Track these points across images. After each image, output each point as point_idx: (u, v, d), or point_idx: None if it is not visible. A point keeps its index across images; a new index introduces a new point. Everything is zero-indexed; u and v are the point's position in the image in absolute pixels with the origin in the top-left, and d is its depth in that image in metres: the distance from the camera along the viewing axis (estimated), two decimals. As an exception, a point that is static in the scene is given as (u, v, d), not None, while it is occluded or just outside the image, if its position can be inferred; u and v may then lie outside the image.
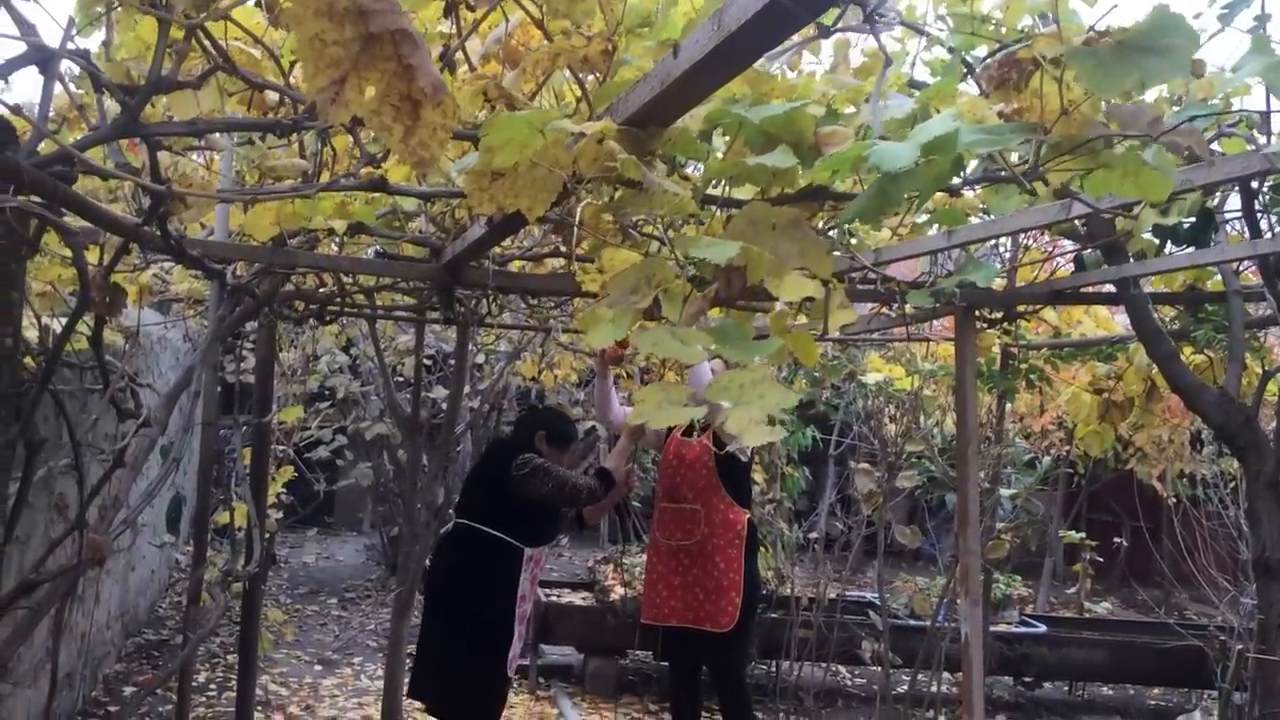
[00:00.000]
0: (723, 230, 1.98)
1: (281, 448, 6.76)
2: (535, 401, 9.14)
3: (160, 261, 3.89)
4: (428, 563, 5.37)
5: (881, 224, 3.01)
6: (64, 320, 2.69)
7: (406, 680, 6.74)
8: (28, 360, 2.03)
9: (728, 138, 1.98)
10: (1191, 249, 3.11)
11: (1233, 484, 7.19)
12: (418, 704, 6.25)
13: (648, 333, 1.54)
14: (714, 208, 2.23)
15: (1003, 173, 1.93)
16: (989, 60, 1.80)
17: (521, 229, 2.69)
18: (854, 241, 3.24)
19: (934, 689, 6.02)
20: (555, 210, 2.58)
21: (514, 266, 3.98)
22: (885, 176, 1.61)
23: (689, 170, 2.16)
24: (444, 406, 8.66)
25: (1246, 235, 3.13)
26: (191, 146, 2.24)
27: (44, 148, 2.01)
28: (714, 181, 2.07)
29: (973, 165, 2.12)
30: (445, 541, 4.57)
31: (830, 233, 2.80)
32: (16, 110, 1.68)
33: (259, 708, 5.75)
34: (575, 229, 2.38)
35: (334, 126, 1.78)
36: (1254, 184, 2.73)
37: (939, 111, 1.81)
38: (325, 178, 2.48)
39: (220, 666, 6.79)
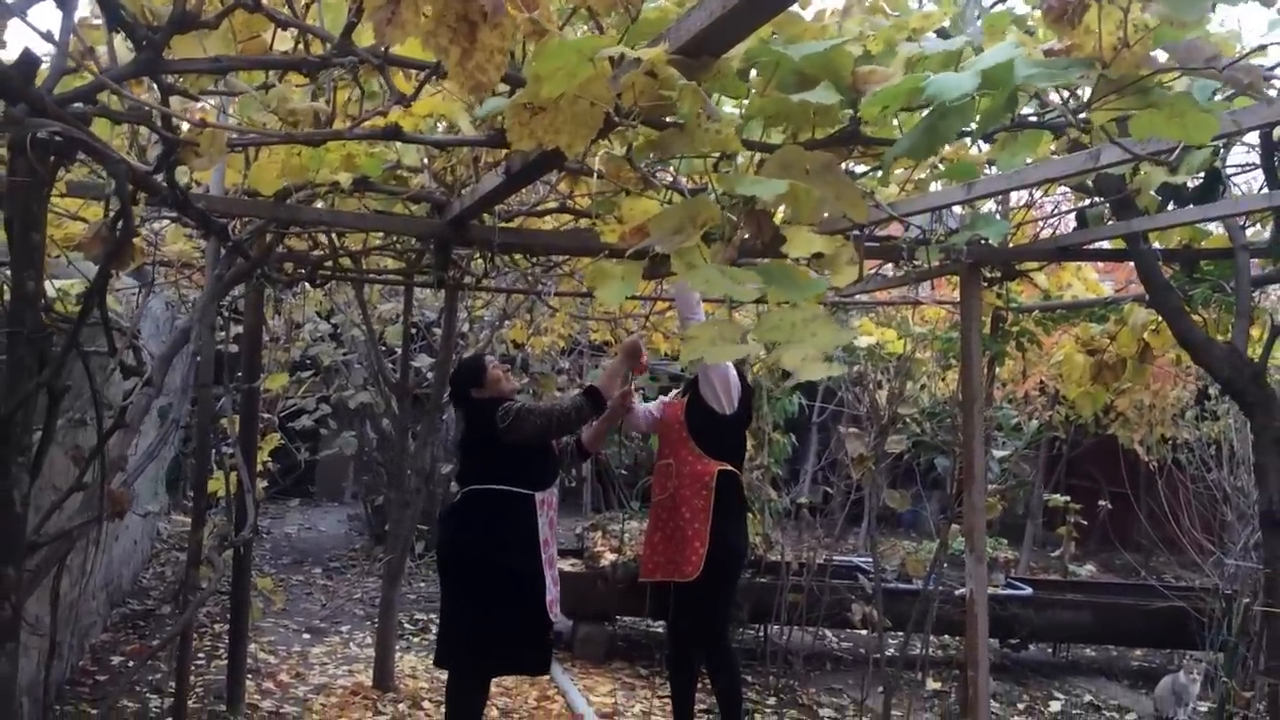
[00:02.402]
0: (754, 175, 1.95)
1: (267, 415, 6.69)
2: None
3: (153, 220, 3.81)
4: (427, 535, 5.32)
5: (889, 180, 2.98)
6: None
7: (401, 647, 6.73)
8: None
9: (761, 78, 1.94)
10: (1201, 205, 3.11)
11: (1214, 447, 7.24)
12: (408, 670, 6.29)
13: (699, 270, 1.51)
14: (736, 160, 2.20)
15: (1041, 116, 1.91)
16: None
17: (541, 177, 2.64)
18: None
19: (923, 651, 6.06)
20: (573, 160, 2.55)
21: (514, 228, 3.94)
22: (936, 112, 1.58)
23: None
24: (428, 375, 8.63)
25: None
26: (207, 91, 2.18)
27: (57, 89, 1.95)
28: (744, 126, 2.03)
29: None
30: (456, 511, 4.53)
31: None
32: (49, 37, 1.62)
33: (249, 675, 5.71)
34: (595, 176, 2.34)
35: (363, 64, 1.73)
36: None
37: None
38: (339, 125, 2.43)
39: (208, 636, 6.74)
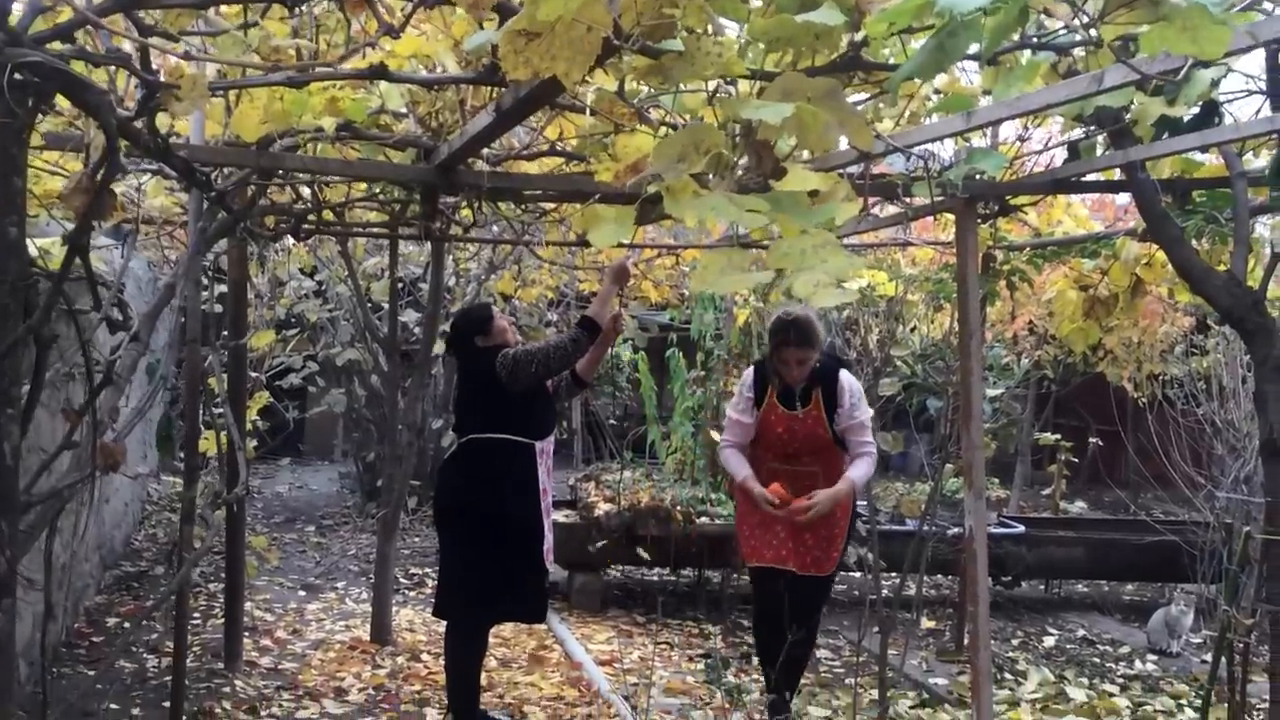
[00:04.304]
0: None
1: (254, 374, 6.63)
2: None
3: (134, 173, 3.73)
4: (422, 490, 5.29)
5: (895, 103, 2.93)
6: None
7: (397, 600, 6.74)
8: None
9: (760, 3, 1.89)
10: (1200, 132, 3.07)
11: (1203, 382, 7.26)
12: (406, 624, 6.30)
13: (706, 198, 1.46)
14: (734, 89, 2.14)
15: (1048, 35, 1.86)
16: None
17: (535, 112, 2.58)
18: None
19: (918, 591, 6.10)
20: (565, 95, 2.49)
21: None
22: (945, 30, 1.54)
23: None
24: (415, 330, 8.58)
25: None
26: (187, 32, 2.11)
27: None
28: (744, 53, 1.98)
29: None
30: (454, 462, 4.51)
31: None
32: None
33: (246, 633, 5.71)
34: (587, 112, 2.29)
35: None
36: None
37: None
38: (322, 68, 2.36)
39: (203, 596, 6.72)
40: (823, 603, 4.80)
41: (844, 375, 4.62)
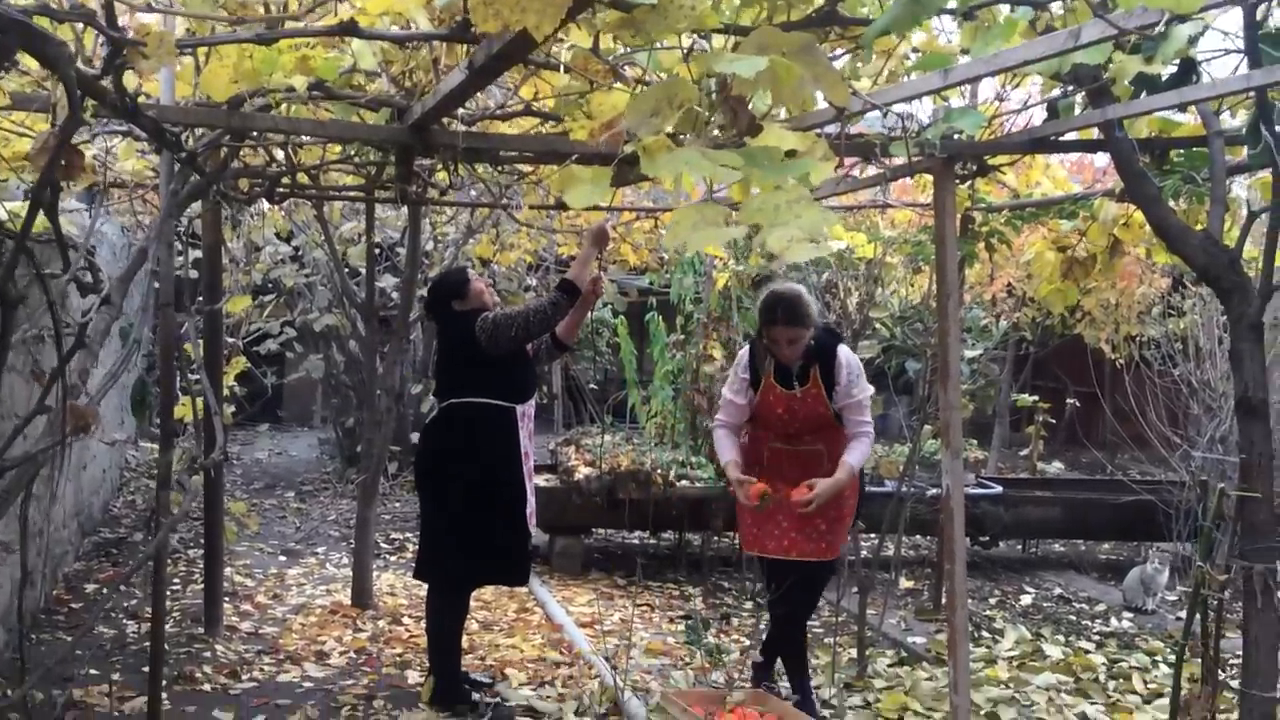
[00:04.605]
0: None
1: (231, 340, 6.59)
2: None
3: (103, 133, 3.67)
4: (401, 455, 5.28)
5: (870, 59, 2.91)
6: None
7: (378, 565, 6.75)
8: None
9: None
10: (1178, 90, 3.06)
11: (1180, 343, 7.30)
12: (386, 588, 6.30)
13: (679, 152, 1.45)
14: (707, 44, 2.12)
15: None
16: None
17: (507, 69, 2.54)
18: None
19: (896, 551, 6.14)
20: (539, 52, 2.46)
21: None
22: (922, -20, 1.52)
23: None
24: (393, 295, 8.53)
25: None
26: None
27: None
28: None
29: None
30: (437, 425, 4.49)
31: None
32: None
33: (226, 598, 5.70)
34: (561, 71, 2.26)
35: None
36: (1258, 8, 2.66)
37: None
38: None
39: (182, 561, 6.71)
40: (826, 580, 4.66)
41: (841, 351, 4.41)
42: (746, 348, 4.64)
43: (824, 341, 4.40)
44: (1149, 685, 5.00)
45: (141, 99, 3.38)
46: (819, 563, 4.41)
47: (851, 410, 4.37)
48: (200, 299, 5.35)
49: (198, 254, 5.85)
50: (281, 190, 5.08)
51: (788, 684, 4.57)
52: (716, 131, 1.93)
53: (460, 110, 3.29)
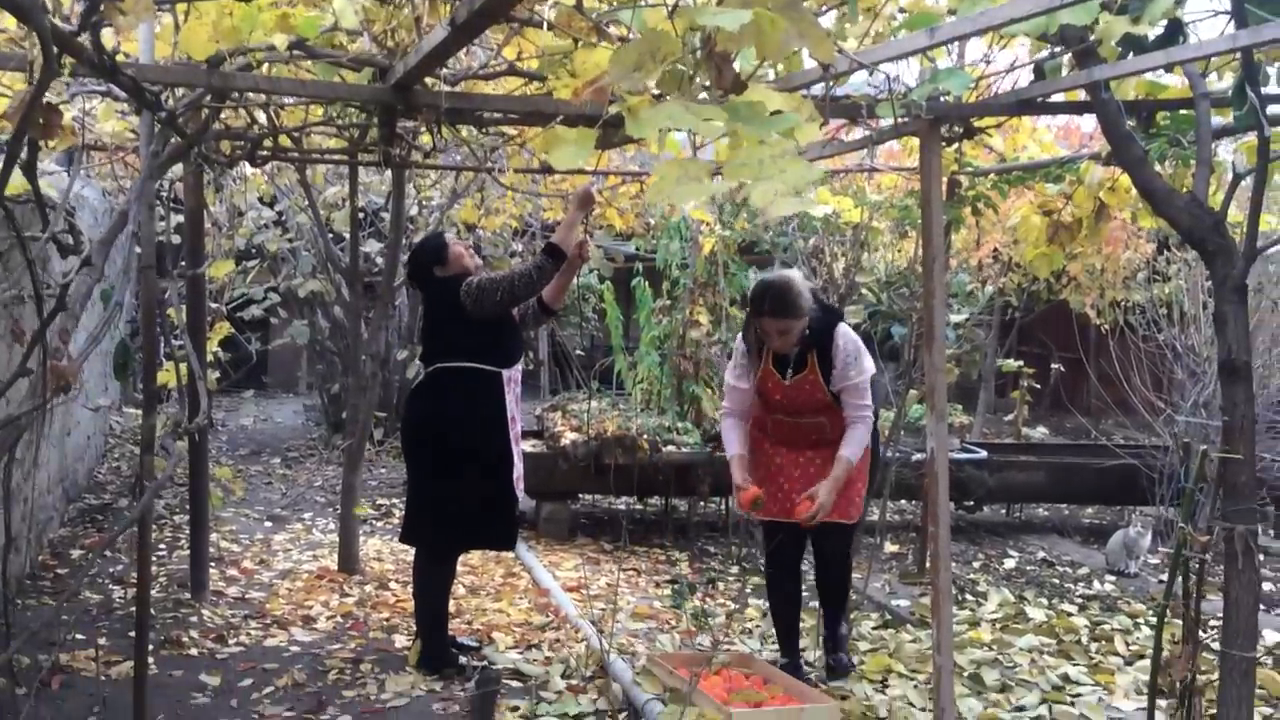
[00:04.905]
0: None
1: (214, 305, 6.55)
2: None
3: (82, 93, 3.62)
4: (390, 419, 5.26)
5: (856, 16, 2.89)
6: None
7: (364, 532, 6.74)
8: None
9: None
10: (1164, 50, 3.05)
11: (1165, 308, 7.33)
12: (373, 553, 6.31)
13: (662, 107, 1.43)
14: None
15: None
16: None
17: (490, 27, 2.51)
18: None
19: (881, 516, 6.16)
20: (523, 9, 2.43)
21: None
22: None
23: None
24: (378, 260, 8.49)
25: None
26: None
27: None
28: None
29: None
30: (424, 390, 4.48)
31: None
32: None
33: (212, 563, 5.70)
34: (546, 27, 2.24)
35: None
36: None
37: None
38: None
39: (168, 527, 6.70)
40: (848, 547, 4.60)
41: (840, 333, 4.27)
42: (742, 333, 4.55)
43: (822, 323, 4.25)
44: (1131, 647, 5.05)
45: (120, 58, 3.34)
46: (835, 527, 4.33)
47: (849, 393, 4.25)
48: (183, 264, 5.31)
49: (180, 219, 5.79)
50: (264, 153, 5.03)
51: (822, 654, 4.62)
52: (703, 94, 1.91)
53: (443, 70, 3.26)
